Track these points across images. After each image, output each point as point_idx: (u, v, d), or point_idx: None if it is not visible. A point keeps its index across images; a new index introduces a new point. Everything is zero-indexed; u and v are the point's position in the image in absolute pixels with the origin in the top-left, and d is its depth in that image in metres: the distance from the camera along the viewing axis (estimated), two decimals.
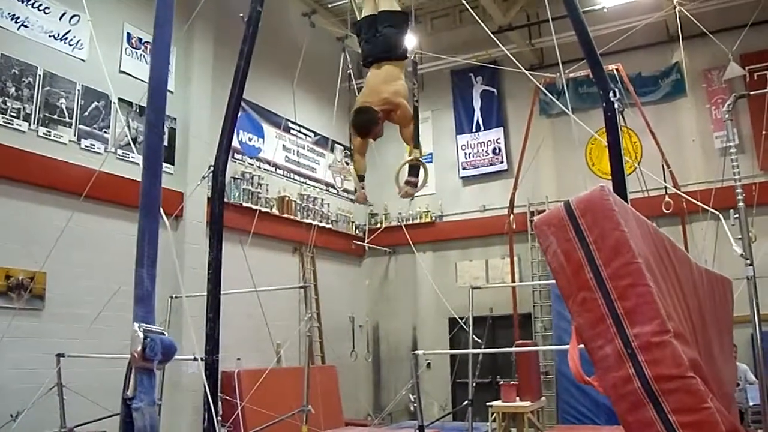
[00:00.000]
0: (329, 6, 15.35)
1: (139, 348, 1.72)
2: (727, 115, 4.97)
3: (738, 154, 12.55)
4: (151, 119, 2.07)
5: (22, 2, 9.84)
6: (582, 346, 1.98)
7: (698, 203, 7.55)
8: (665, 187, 11.93)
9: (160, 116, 2.13)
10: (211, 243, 4.50)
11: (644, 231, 2.20)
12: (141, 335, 1.75)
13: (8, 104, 9.49)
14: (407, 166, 6.35)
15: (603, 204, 1.93)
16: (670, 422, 1.83)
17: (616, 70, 12.89)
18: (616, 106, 3.70)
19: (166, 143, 11.85)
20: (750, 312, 4.79)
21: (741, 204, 4.90)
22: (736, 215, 4.92)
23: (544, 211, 13.56)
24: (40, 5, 10.07)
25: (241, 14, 5.45)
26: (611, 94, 3.71)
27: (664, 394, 1.85)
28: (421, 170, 6.38)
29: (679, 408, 1.84)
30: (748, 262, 4.72)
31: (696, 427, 1.83)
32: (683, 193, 11.62)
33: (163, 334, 1.71)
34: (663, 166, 12.65)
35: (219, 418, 5.10)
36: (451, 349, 14.54)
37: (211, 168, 11.50)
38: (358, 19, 6.97)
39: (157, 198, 1.78)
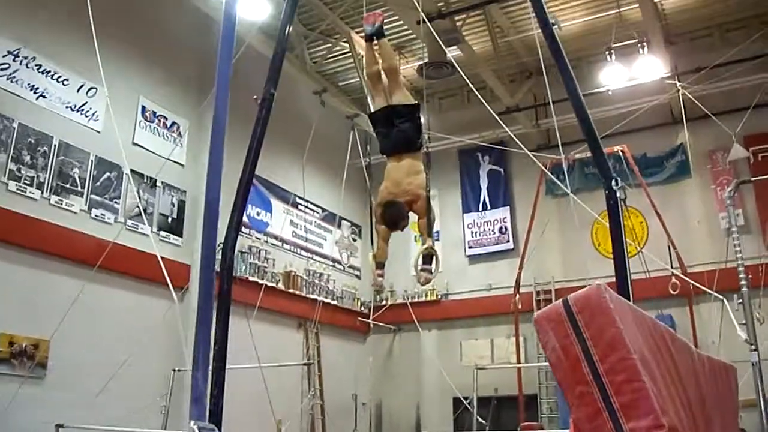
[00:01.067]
0: (339, 84, 15.70)
1: None
2: (729, 201, 5.03)
3: (743, 234, 12.66)
4: (206, 254, 2.21)
5: (43, 74, 10.16)
6: None
7: (701, 287, 7.53)
8: (671, 269, 11.92)
9: (212, 237, 2.25)
10: (218, 320, 4.51)
11: (642, 325, 2.24)
12: (196, 431, 2.01)
13: (23, 172, 9.68)
14: (421, 255, 6.48)
15: (599, 301, 1.98)
16: None
17: (622, 151, 13.07)
18: (618, 194, 3.76)
19: (175, 215, 11.98)
20: (756, 396, 4.75)
21: (744, 289, 4.91)
22: (740, 300, 4.92)
23: (549, 291, 13.57)
24: (59, 77, 10.38)
25: (255, 96, 5.59)
26: (613, 182, 3.78)
27: None
28: (434, 258, 6.51)
29: None
30: (753, 347, 4.70)
31: None
32: (689, 273, 11.62)
33: (213, 430, 1.92)
34: (669, 246, 12.67)
35: None
36: (455, 429, 14.30)
37: (221, 244, 11.56)
38: (372, 110, 7.16)
39: (210, 316, 1.95)
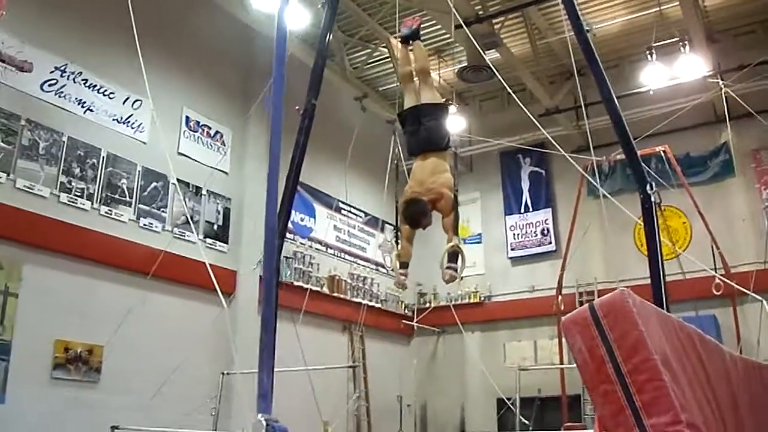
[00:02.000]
0: (379, 89, 15.87)
1: None
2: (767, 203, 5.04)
3: None
4: (268, 266, 2.41)
5: (89, 88, 10.49)
6: None
7: (739, 287, 7.50)
8: (714, 269, 11.83)
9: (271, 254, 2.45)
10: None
11: (666, 328, 2.37)
12: (264, 423, 2.18)
13: (73, 184, 10.02)
14: (447, 253, 6.50)
15: (623, 306, 2.13)
16: None
17: (663, 151, 12.99)
18: (653, 198, 3.82)
19: (220, 222, 12.26)
20: None
21: None
22: None
23: (592, 292, 13.52)
24: (105, 91, 10.70)
25: (297, 107, 5.75)
26: (648, 187, 3.83)
27: None
28: (460, 257, 6.53)
29: None
30: None
31: None
32: (733, 273, 11.53)
33: (277, 421, 2.20)
34: (712, 247, 12.57)
35: None
36: (499, 430, 14.34)
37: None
38: (402, 109, 7.21)
39: (273, 319, 2.16)
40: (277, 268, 6.26)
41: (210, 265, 9.60)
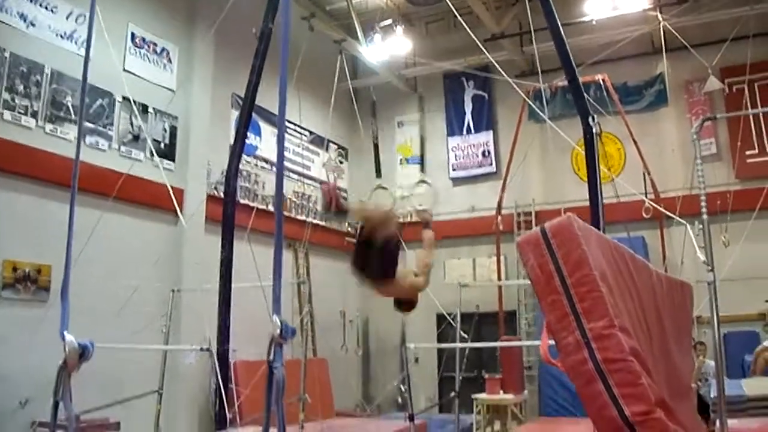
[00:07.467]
0: (327, 9, 15.78)
1: (278, 331, 2.45)
2: (694, 136, 5.46)
3: (716, 162, 13.19)
4: (277, 202, 2.67)
5: (31, 2, 10.19)
6: (551, 337, 2.57)
7: (665, 211, 8.04)
8: (645, 194, 12.45)
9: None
10: (224, 242, 4.91)
11: (604, 248, 2.79)
12: (279, 322, 2.46)
13: (17, 101, 9.85)
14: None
15: (569, 229, 2.54)
16: (614, 393, 2.46)
17: (603, 80, 13.44)
18: (594, 129, 4.12)
19: (167, 141, 12.27)
20: (710, 313, 5.31)
21: (704, 216, 5.39)
22: (701, 225, 5.41)
23: (530, 213, 14.10)
24: (48, 4, 10.42)
25: (254, 30, 5.83)
26: (590, 119, 4.13)
27: (610, 372, 2.47)
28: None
29: (620, 383, 2.47)
30: (709, 268, 5.22)
31: (632, 398, 2.45)
32: (663, 198, 12.18)
33: (292, 326, 2.50)
34: (644, 172, 13.19)
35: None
36: (438, 342, 15.01)
37: (210, 164, 11.89)
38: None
39: (281, 239, 2.41)
40: (234, 188, 6.48)
41: (161, 184, 9.76)
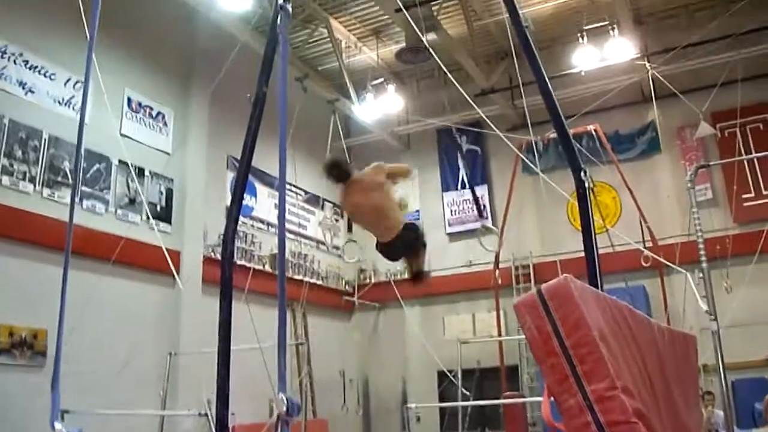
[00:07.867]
0: (319, 69, 16.01)
1: (284, 408, 2.63)
2: (689, 184, 5.47)
3: (712, 207, 13.19)
4: (280, 259, 2.69)
5: (30, 69, 10.36)
6: (552, 399, 2.52)
7: (664, 261, 8.03)
8: (642, 242, 12.45)
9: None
10: (222, 305, 4.84)
11: (602, 307, 2.77)
12: (285, 400, 2.66)
13: (15, 167, 9.92)
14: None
15: (566, 290, 2.52)
16: None
17: (594, 130, 13.55)
18: (586, 183, 4.13)
19: (163, 203, 12.29)
20: (716, 362, 5.25)
21: (704, 264, 5.36)
22: (701, 275, 5.38)
23: (528, 266, 14.04)
24: (47, 72, 10.59)
25: (249, 95, 5.84)
26: (582, 173, 4.14)
27: None
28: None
29: None
30: (712, 317, 5.18)
31: None
32: (661, 246, 12.16)
33: (296, 399, 2.67)
34: (640, 221, 13.21)
35: None
36: (440, 401, 14.81)
37: (206, 226, 11.86)
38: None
39: (285, 309, 2.48)
40: (231, 251, 6.41)
41: (158, 246, 9.75)
